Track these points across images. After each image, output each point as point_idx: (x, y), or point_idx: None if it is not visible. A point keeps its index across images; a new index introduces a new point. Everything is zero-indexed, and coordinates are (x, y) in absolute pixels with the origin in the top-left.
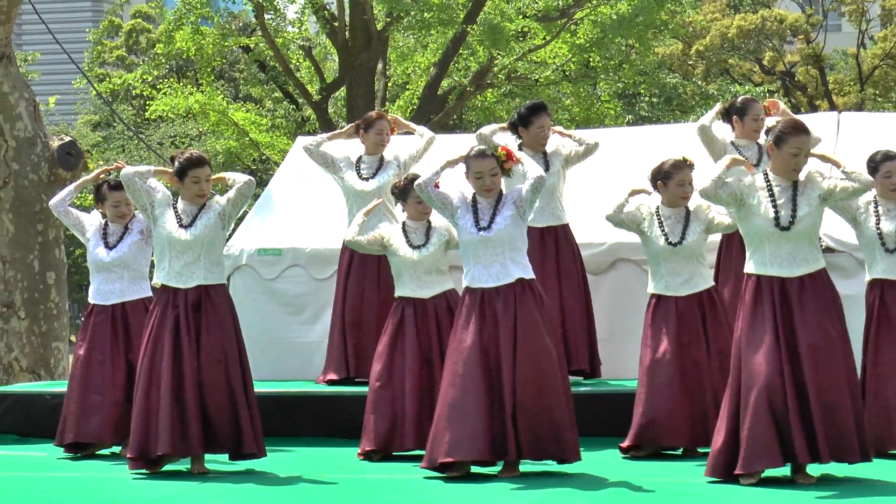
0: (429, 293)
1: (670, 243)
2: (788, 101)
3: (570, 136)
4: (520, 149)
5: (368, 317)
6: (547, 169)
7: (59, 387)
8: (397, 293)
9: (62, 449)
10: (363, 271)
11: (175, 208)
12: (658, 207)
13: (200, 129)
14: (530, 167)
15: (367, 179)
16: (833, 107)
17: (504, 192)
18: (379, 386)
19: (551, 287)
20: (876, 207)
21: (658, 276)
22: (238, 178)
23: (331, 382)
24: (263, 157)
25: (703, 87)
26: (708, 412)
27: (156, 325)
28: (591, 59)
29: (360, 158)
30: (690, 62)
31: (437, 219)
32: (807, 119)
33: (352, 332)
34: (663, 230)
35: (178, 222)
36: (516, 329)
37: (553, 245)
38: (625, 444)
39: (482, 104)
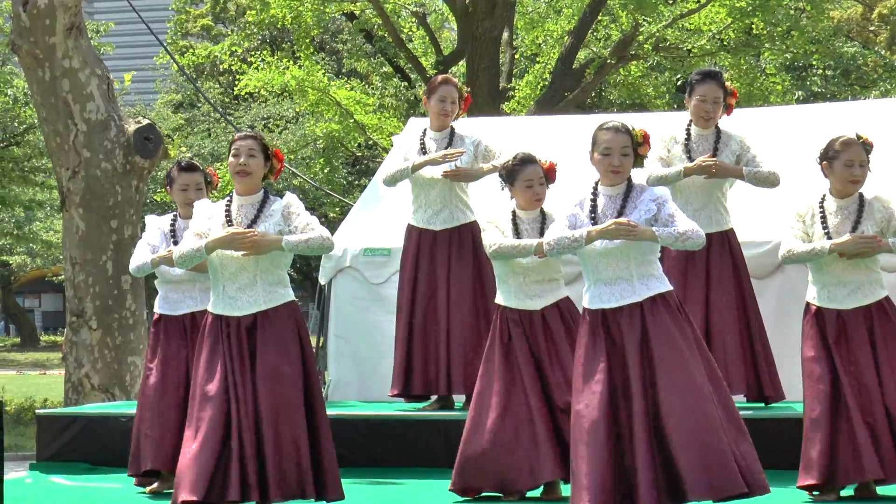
0: (540, 304)
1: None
2: None
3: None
4: None
5: (440, 323)
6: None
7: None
8: (500, 301)
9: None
10: (433, 266)
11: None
12: (823, 197)
13: (297, 110)
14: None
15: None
16: None
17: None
18: (497, 416)
19: (699, 299)
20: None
21: (820, 283)
22: (313, 235)
23: (395, 397)
24: (370, 142)
25: (888, 57)
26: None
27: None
28: (753, 26)
29: (424, 134)
30: (872, 28)
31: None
32: None
33: (421, 340)
34: (826, 227)
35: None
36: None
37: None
38: (803, 482)
39: (625, 79)
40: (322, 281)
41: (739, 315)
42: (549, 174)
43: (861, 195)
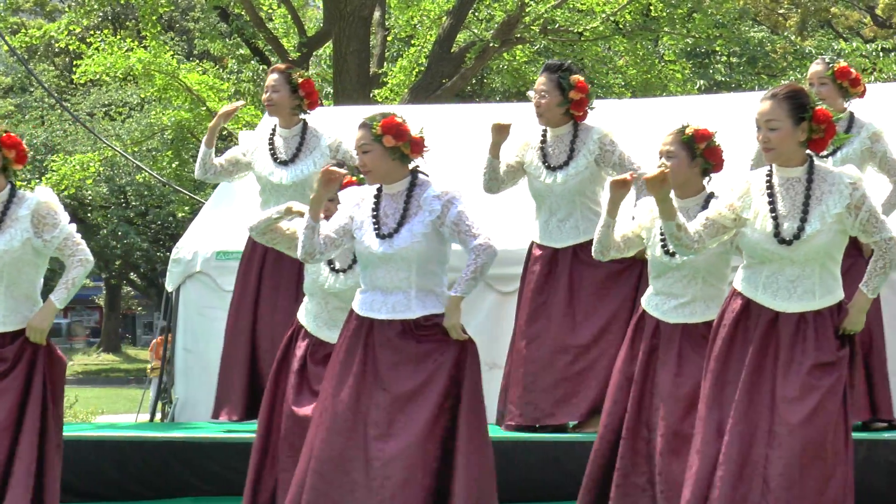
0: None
1: None
2: None
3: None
4: None
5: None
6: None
7: None
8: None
9: None
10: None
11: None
12: None
13: (143, 96)
14: None
15: (283, 164)
16: None
17: None
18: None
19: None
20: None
21: None
22: (75, 273)
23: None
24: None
25: (798, 43)
26: None
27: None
28: (651, 7)
29: (273, 132)
30: (781, 11)
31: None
32: None
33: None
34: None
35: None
36: None
37: None
38: None
39: (509, 65)
40: (169, 288)
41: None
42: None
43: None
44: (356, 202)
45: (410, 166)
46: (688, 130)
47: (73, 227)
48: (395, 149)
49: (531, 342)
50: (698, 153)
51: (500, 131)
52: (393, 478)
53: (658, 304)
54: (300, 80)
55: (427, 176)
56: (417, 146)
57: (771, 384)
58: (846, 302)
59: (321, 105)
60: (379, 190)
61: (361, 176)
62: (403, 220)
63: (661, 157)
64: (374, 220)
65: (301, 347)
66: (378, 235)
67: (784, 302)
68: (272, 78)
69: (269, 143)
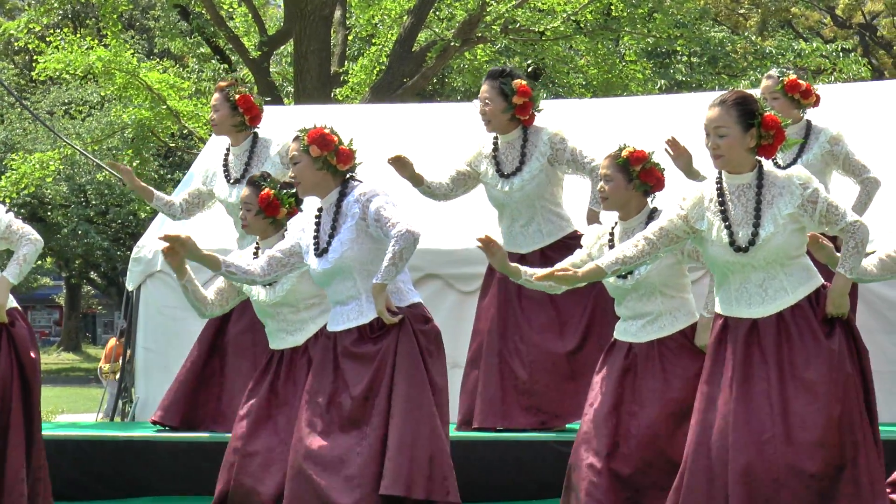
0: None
1: None
2: (868, 63)
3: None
4: None
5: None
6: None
7: None
8: None
9: None
10: None
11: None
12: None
13: (103, 94)
14: None
15: (235, 183)
16: None
17: None
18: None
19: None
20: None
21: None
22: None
23: None
24: (185, 132)
25: (759, 43)
26: None
27: None
28: (612, 7)
29: (228, 152)
30: (742, 11)
31: None
32: (893, 86)
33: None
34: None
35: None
36: None
37: None
38: None
39: (471, 65)
40: (129, 287)
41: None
42: (261, 203)
43: None
44: (301, 227)
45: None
46: (623, 153)
47: (11, 214)
48: (320, 159)
49: (514, 349)
50: (634, 175)
51: (401, 165)
52: (343, 480)
53: (626, 328)
54: (237, 97)
55: (359, 181)
56: (345, 157)
57: (766, 390)
58: (827, 286)
59: (283, 105)
60: (319, 210)
61: (283, 192)
62: (334, 232)
63: (601, 181)
64: (314, 240)
65: (273, 367)
66: (317, 254)
67: (759, 308)
68: (214, 97)
69: (224, 165)
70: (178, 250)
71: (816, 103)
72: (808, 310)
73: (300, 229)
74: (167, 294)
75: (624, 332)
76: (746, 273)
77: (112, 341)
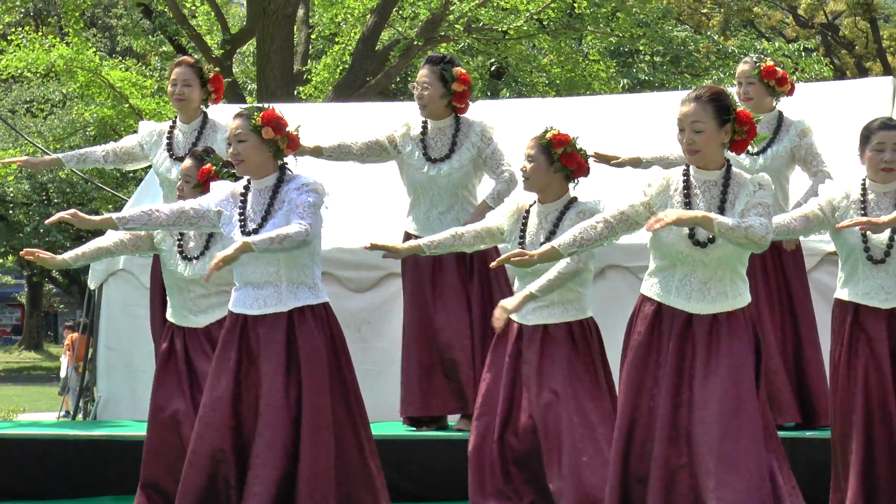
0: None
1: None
2: (830, 63)
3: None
4: None
5: None
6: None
7: None
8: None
9: None
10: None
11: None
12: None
13: (65, 92)
14: None
15: (177, 160)
16: (887, 70)
17: None
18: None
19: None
20: (863, 200)
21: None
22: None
23: None
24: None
25: (721, 43)
26: None
27: None
28: (576, 5)
29: (174, 126)
30: (704, 11)
31: None
32: (855, 86)
33: None
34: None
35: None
36: None
37: None
38: None
39: None
40: (91, 286)
41: None
42: (201, 177)
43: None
44: (224, 197)
45: (280, 162)
46: (547, 135)
47: None
48: (272, 141)
49: (433, 337)
50: (556, 157)
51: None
52: (259, 477)
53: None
54: (211, 75)
55: (291, 171)
56: (293, 143)
57: (689, 388)
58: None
59: (246, 103)
60: (246, 187)
61: (225, 170)
62: (268, 216)
63: (524, 160)
64: (240, 217)
65: (178, 344)
66: (244, 233)
67: (698, 304)
68: (182, 71)
69: (168, 139)
70: (44, 259)
71: (791, 92)
72: (742, 320)
73: (223, 199)
74: (129, 292)
75: (523, 317)
76: (695, 268)
77: (73, 335)
